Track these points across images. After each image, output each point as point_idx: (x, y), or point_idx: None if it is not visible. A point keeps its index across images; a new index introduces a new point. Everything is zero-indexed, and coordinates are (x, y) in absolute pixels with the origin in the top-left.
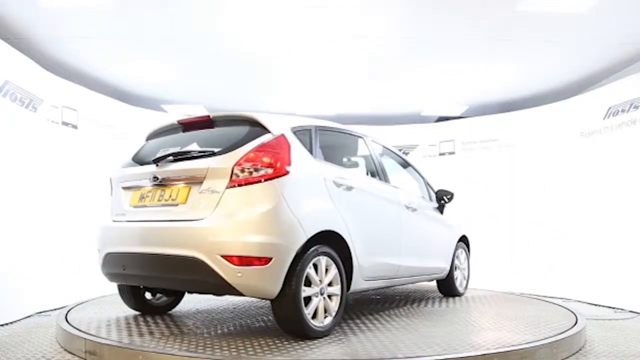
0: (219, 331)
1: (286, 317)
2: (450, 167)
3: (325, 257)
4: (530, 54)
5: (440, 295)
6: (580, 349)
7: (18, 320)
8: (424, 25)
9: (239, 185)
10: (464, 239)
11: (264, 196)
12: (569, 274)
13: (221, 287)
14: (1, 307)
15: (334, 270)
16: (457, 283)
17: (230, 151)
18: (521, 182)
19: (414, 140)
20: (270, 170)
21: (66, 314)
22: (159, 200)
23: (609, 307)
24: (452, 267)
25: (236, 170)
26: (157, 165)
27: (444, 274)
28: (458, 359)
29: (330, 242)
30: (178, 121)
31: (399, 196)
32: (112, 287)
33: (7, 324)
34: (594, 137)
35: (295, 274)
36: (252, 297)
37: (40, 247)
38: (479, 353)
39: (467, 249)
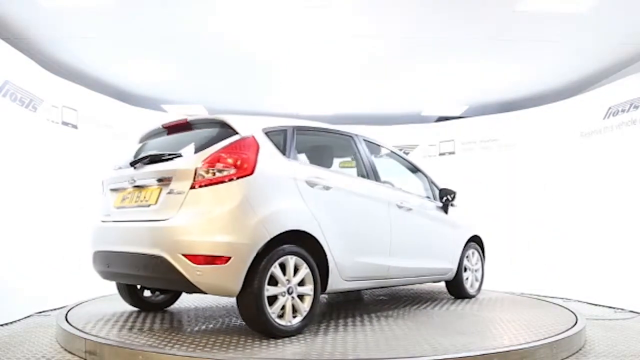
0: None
1: (249, 316)
2: (450, 167)
3: (294, 257)
4: (530, 54)
5: (449, 297)
6: (580, 349)
7: (18, 320)
8: (423, 25)
9: (202, 186)
10: (476, 240)
11: (225, 196)
12: (569, 274)
13: (184, 285)
14: (1, 307)
15: (304, 270)
16: (468, 285)
17: (197, 153)
18: (521, 182)
19: (414, 140)
20: (233, 171)
21: (66, 314)
22: (135, 202)
23: (609, 307)
24: (461, 268)
25: (199, 172)
26: (134, 168)
27: (449, 275)
28: (458, 358)
29: (301, 242)
30: (162, 125)
31: (389, 195)
32: (112, 287)
33: (7, 324)
34: (594, 137)
35: (257, 273)
36: (214, 295)
37: (40, 247)
38: (479, 353)
39: (480, 250)
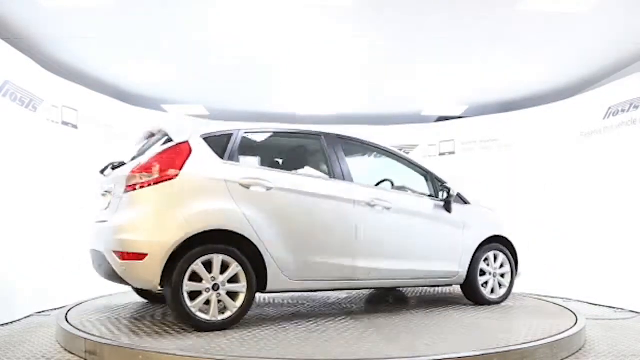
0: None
1: (171, 308)
2: (450, 167)
3: (221, 255)
4: (530, 54)
5: (467, 301)
6: (580, 349)
7: (18, 320)
8: (424, 25)
9: (131, 190)
10: (501, 241)
11: (145, 199)
12: (569, 274)
13: (117, 278)
14: (1, 307)
15: (236, 268)
16: (487, 290)
17: (134, 160)
18: (521, 182)
19: (414, 140)
20: (156, 176)
21: (66, 314)
22: (104, 205)
23: (609, 307)
24: (474, 272)
25: (129, 177)
26: (104, 175)
27: (457, 279)
28: (458, 358)
29: (232, 240)
30: (145, 132)
31: (355, 194)
32: (112, 287)
33: (7, 324)
34: (594, 137)
35: (175, 270)
36: (140, 287)
37: (40, 247)
38: (479, 353)
39: (507, 252)
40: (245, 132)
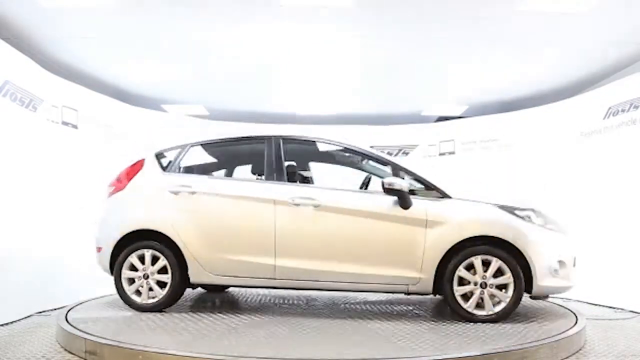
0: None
1: (116, 290)
2: (450, 167)
3: (151, 250)
4: (530, 53)
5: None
6: (580, 349)
7: (18, 320)
8: (424, 25)
9: (107, 198)
10: (498, 244)
11: (108, 204)
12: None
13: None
14: (1, 307)
15: (162, 262)
16: (469, 303)
17: None
18: (521, 182)
19: (414, 140)
20: (113, 188)
21: (66, 314)
22: None
23: (609, 307)
24: (448, 280)
25: (107, 187)
26: None
27: (419, 287)
28: (458, 358)
29: (161, 238)
30: None
31: (276, 193)
32: (112, 287)
33: (7, 324)
34: (594, 137)
35: (118, 260)
36: (103, 271)
37: (40, 247)
38: (479, 353)
39: (510, 258)
40: (193, 145)
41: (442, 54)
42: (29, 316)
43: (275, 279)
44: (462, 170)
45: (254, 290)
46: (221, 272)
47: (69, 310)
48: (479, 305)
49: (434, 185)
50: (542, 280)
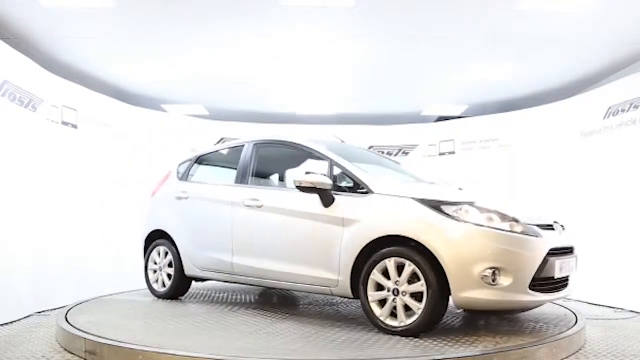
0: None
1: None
2: (450, 167)
3: (162, 247)
4: (530, 54)
5: None
6: (580, 349)
7: (18, 320)
8: (424, 25)
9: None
10: (416, 246)
11: (148, 207)
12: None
13: None
14: (1, 307)
15: (170, 257)
16: (383, 311)
17: None
18: (521, 182)
19: (414, 140)
20: (153, 193)
21: (66, 314)
22: None
23: (609, 307)
24: (362, 284)
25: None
26: None
27: (340, 290)
28: (458, 358)
29: (168, 237)
30: None
31: (235, 196)
32: (112, 287)
33: (7, 324)
34: (594, 137)
35: (146, 255)
36: None
37: (40, 247)
38: (479, 353)
39: (422, 262)
40: (199, 156)
41: (442, 54)
42: (29, 316)
43: (233, 274)
44: (462, 170)
45: (256, 289)
46: (203, 268)
47: (69, 310)
48: (394, 314)
49: (359, 180)
50: (464, 290)
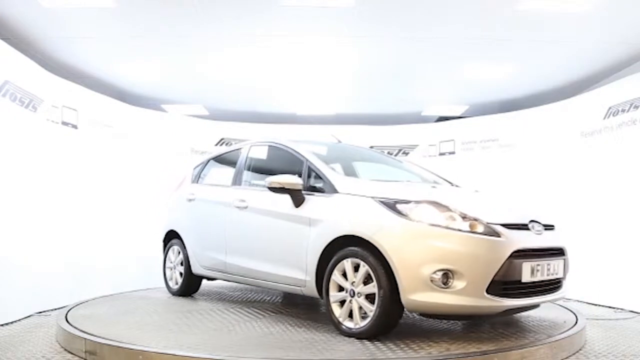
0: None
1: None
2: (450, 167)
3: (176, 246)
4: (530, 54)
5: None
6: (580, 349)
7: (18, 320)
8: (424, 25)
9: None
10: (370, 246)
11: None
12: (569, 274)
13: None
14: (1, 307)
15: (181, 256)
16: (341, 312)
17: None
18: (521, 182)
19: (414, 140)
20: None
21: (66, 314)
22: None
23: (609, 307)
24: (325, 284)
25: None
26: None
27: (308, 290)
28: (458, 358)
29: (179, 236)
30: None
31: (230, 197)
32: (112, 287)
33: (7, 324)
34: (594, 137)
35: (164, 254)
36: None
37: (39, 247)
38: (479, 353)
39: (375, 262)
40: (210, 159)
41: (442, 54)
42: (29, 316)
43: (226, 273)
44: (462, 170)
45: (256, 289)
46: (204, 266)
47: (69, 310)
48: (351, 315)
49: (326, 179)
50: (413, 292)
